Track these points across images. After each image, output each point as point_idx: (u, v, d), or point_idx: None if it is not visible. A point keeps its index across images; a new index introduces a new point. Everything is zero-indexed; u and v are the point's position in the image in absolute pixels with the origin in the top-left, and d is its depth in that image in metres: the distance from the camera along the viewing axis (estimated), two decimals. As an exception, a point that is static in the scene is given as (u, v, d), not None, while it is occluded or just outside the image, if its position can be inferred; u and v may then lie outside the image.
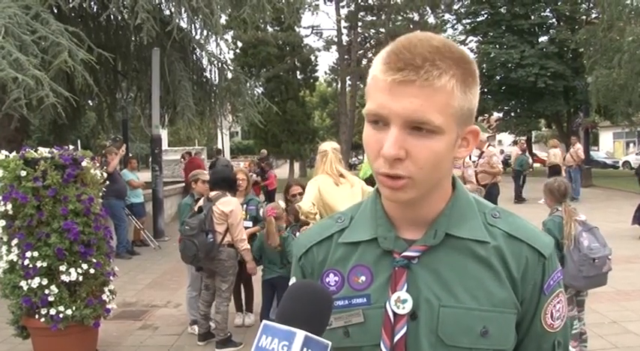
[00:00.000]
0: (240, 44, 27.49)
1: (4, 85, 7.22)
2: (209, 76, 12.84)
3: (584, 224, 3.88)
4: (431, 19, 29.24)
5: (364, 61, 28.65)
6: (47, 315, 4.12)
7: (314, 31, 29.49)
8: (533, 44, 26.17)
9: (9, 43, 7.30)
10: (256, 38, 22.72)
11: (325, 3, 28.75)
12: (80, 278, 4.21)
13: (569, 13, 26.63)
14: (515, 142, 28.05)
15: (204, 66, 12.81)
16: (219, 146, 21.75)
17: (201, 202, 4.82)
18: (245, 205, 5.31)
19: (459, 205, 0.97)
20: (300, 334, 0.74)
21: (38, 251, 4.11)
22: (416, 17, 28.50)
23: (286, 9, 12.11)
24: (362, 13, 29.11)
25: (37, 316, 4.15)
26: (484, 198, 1.07)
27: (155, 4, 10.19)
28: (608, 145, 37.92)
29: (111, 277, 4.59)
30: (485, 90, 26.86)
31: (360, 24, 28.96)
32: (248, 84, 13.16)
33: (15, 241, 4.16)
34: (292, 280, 1.04)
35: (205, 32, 11.01)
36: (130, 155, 13.81)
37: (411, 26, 26.70)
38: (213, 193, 4.76)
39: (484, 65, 26.04)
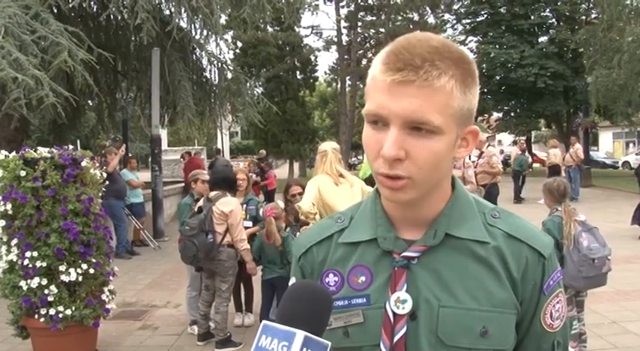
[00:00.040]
0: (240, 44, 27.50)
1: (4, 85, 7.22)
2: (209, 76, 12.85)
3: (583, 224, 3.88)
4: (431, 19, 29.31)
5: (364, 61, 28.67)
6: (47, 315, 4.12)
7: (314, 31, 29.53)
8: (532, 44, 26.18)
9: (9, 42, 7.30)
10: (256, 38, 22.73)
11: (325, 3, 28.79)
12: (80, 278, 4.21)
13: (568, 13, 26.64)
14: (514, 142, 28.06)
15: (204, 66, 12.82)
16: (219, 146, 21.75)
17: (201, 203, 4.82)
18: (245, 205, 5.31)
19: (458, 206, 0.97)
20: (300, 335, 0.74)
21: (38, 251, 4.11)
22: (416, 17, 28.53)
23: (286, 9, 12.11)
24: (362, 13, 29.13)
25: (36, 316, 4.15)
26: (484, 198, 1.07)
27: (155, 4, 10.19)
28: (608, 145, 37.93)
29: (110, 277, 4.59)
30: (485, 90, 26.87)
31: (359, 24, 28.99)
32: (248, 84, 13.16)
33: (14, 241, 4.16)
34: (292, 281, 1.04)
35: (205, 32, 11.00)
36: (130, 155, 13.80)
37: (411, 26, 26.73)
38: (213, 193, 4.76)
39: (484, 65, 26.05)
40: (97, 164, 4.85)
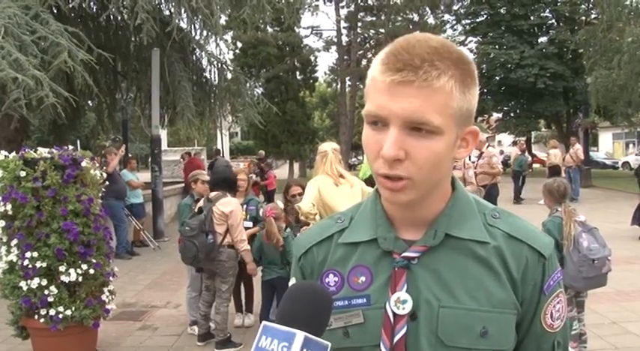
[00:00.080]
0: (239, 44, 27.52)
1: (4, 85, 7.22)
2: (209, 77, 12.85)
3: (583, 225, 3.87)
4: (430, 20, 29.33)
5: (364, 62, 28.67)
6: (47, 315, 4.12)
7: (314, 32, 29.55)
8: (532, 45, 26.20)
9: (9, 43, 7.30)
10: (256, 39, 22.73)
11: (325, 3, 28.80)
12: (80, 279, 4.21)
13: (568, 14, 26.66)
14: (514, 143, 28.07)
15: (204, 66, 12.82)
16: (219, 147, 21.76)
17: (201, 203, 4.82)
18: (245, 206, 5.30)
19: (458, 206, 0.97)
20: (300, 335, 0.74)
21: (38, 252, 4.11)
22: (415, 18, 28.54)
23: (286, 9, 12.11)
24: (361, 14, 29.14)
25: (36, 317, 4.15)
26: (484, 199, 1.07)
27: (155, 4, 10.20)
28: (608, 145, 37.94)
29: (110, 278, 4.59)
30: (485, 90, 26.90)
31: (359, 24, 29.00)
32: (248, 84, 13.17)
33: (14, 242, 4.16)
34: (292, 281, 1.04)
35: (205, 33, 11.01)
36: (130, 155, 13.81)
37: (411, 27, 26.75)
38: (213, 194, 4.76)
39: (484, 66, 26.07)
40: (97, 165, 4.85)
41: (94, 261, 4.31)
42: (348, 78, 29.94)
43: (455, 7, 29.42)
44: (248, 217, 5.28)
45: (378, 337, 0.93)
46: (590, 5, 26.14)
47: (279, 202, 5.03)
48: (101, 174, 4.63)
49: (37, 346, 4.34)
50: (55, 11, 9.40)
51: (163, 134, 17.29)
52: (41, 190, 4.13)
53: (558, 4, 27.10)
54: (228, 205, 4.65)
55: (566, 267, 3.73)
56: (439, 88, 0.85)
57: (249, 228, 5.16)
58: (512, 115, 29.13)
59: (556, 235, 3.77)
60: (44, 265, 4.11)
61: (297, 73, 29.70)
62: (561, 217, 3.89)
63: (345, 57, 29.25)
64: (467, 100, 0.89)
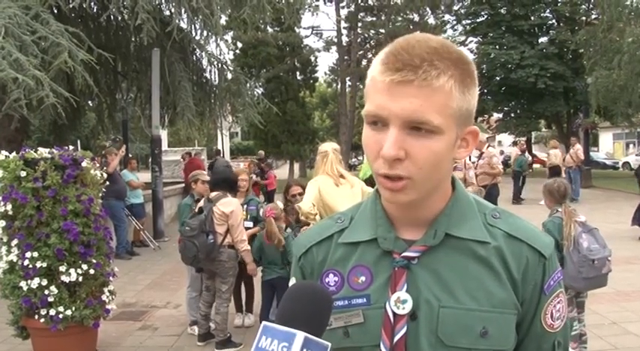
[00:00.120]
0: (240, 45, 27.51)
1: (4, 85, 7.22)
2: (209, 77, 12.85)
3: (583, 225, 3.87)
4: (431, 20, 29.31)
5: (364, 62, 28.66)
6: (47, 315, 4.12)
7: (314, 32, 29.52)
8: (533, 45, 26.20)
9: (9, 43, 7.30)
10: (256, 39, 22.73)
11: (325, 4, 28.78)
12: (80, 279, 4.21)
13: (569, 14, 26.66)
14: (515, 143, 28.06)
15: (204, 66, 12.82)
16: (219, 147, 21.76)
17: (201, 203, 4.82)
18: (245, 206, 5.31)
19: (458, 206, 0.98)
20: (300, 336, 0.74)
21: (38, 252, 4.11)
22: (416, 18, 28.54)
23: (286, 9, 12.11)
24: (362, 14, 29.12)
25: (36, 317, 4.15)
26: (484, 199, 1.07)
27: (155, 4, 10.20)
28: (608, 145, 37.93)
29: (110, 278, 4.59)
30: (485, 91, 26.90)
31: (359, 25, 28.98)
32: (248, 84, 13.16)
33: (15, 242, 4.17)
34: (292, 281, 1.04)
35: (205, 33, 11.01)
36: (130, 156, 13.82)
37: (411, 27, 26.74)
38: (213, 194, 4.76)
39: (484, 66, 26.07)
40: (98, 165, 4.85)
41: (94, 261, 4.32)
42: (348, 78, 29.93)
43: (455, 8, 29.42)
44: (248, 217, 5.29)
45: (378, 337, 0.93)
46: (591, 5, 26.14)
47: (279, 203, 5.03)
48: (101, 174, 4.63)
49: (37, 346, 4.34)
50: (56, 11, 9.40)
51: (163, 134, 17.28)
52: (41, 190, 4.13)
53: (559, 4, 27.11)
54: (229, 205, 4.65)
55: (566, 267, 3.73)
56: (439, 88, 0.85)
57: (249, 228, 5.16)
58: (512, 115, 29.13)
59: (556, 236, 3.77)
60: (44, 265, 4.11)
61: (298, 73, 29.70)
62: (561, 217, 3.89)
63: (346, 57, 29.25)
64: (467, 100, 0.89)
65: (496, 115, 31.86)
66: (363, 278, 0.97)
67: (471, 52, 28.48)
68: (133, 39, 11.35)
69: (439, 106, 0.85)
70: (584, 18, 26.68)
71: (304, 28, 29.21)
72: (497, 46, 26.63)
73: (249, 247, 4.75)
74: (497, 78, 26.94)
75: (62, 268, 4.14)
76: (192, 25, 11.06)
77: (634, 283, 6.35)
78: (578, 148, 15.11)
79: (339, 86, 31.37)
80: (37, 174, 4.11)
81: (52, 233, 4.13)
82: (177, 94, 11.05)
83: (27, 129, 11.05)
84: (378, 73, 0.87)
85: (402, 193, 0.89)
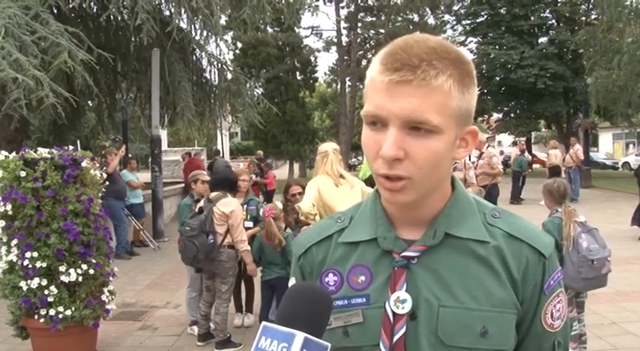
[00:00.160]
0: (239, 45, 27.50)
1: (4, 85, 7.22)
2: (209, 77, 12.84)
3: (583, 225, 3.87)
4: (431, 20, 29.31)
5: (364, 62, 28.65)
6: (47, 315, 4.12)
7: (314, 32, 29.52)
8: (532, 45, 26.21)
9: (9, 43, 7.30)
10: (256, 39, 22.72)
11: (325, 4, 28.78)
12: (80, 279, 4.21)
13: (568, 14, 26.67)
14: (514, 143, 28.07)
15: (204, 67, 12.82)
16: (219, 147, 21.76)
17: (201, 203, 4.82)
18: (245, 206, 5.31)
19: (458, 205, 0.98)
20: (300, 336, 0.74)
21: (38, 252, 4.11)
22: (416, 18, 28.54)
23: (286, 10, 12.11)
24: (362, 14, 29.13)
25: (36, 317, 4.15)
26: (484, 199, 1.07)
27: (155, 4, 10.19)
28: (608, 146, 37.93)
29: (110, 278, 4.59)
30: (485, 91, 26.91)
31: (359, 25, 28.99)
32: (248, 85, 13.16)
33: (15, 242, 4.17)
34: (292, 280, 1.04)
35: (205, 33, 11.01)
36: (130, 156, 13.81)
37: (411, 27, 26.75)
38: (213, 194, 4.75)
39: (484, 66, 26.09)
40: (97, 165, 4.86)
41: (93, 261, 4.32)
42: (348, 78, 29.93)
43: (455, 8, 29.43)
44: (249, 217, 5.29)
45: (378, 337, 0.93)
46: (591, 6, 26.15)
47: (278, 203, 5.03)
48: (101, 174, 4.63)
49: (36, 346, 4.34)
50: (55, 11, 9.39)
51: (163, 134, 17.28)
52: (41, 190, 4.13)
53: (558, 4, 27.13)
54: (229, 205, 4.65)
55: (565, 267, 3.73)
56: (437, 88, 0.85)
57: (249, 228, 5.16)
58: (512, 115, 29.14)
59: (556, 236, 3.77)
60: (44, 265, 4.11)
61: (297, 73, 29.69)
62: (561, 217, 3.89)
63: (345, 57, 29.25)
64: (466, 99, 0.89)
65: (496, 116, 31.88)
66: (362, 278, 0.97)
67: (471, 52, 28.50)
68: (132, 39, 11.34)
69: (438, 106, 0.85)
70: (583, 18, 26.71)
71: (304, 29, 29.23)
72: (497, 47, 26.64)
73: (249, 248, 4.75)
74: (497, 78, 26.96)
75: (62, 268, 4.14)
76: (192, 25, 11.06)
77: (633, 284, 6.35)
78: (577, 149, 15.11)
79: (338, 86, 31.37)
80: (36, 174, 4.11)
81: (52, 233, 4.13)
82: (177, 94, 11.05)
83: (27, 129, 11.05)
84: (376, 74, 0.88)
85: (402, 193, 0.89)
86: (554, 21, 27.84)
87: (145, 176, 12.59)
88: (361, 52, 29.49)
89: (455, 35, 29.84)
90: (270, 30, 24.94)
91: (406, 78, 0.84)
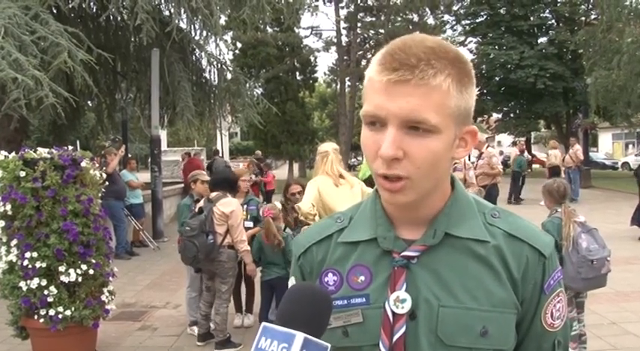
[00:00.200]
0: (239, 45, 27.48)
1: (4, 85, 7.22)
2: (208, 77, 12.84)
3: (583, 226, 3.87)
4: (430, 20, 29.30)
5: (363, 62, 28.62)
6: (46, 315, 4.11)
7: (313, 32, 29.49)
8: (532, 45, 26.23)
9: (8, 43, 7.30)
10: (256, 39, 22.70)
11: (325, 4, 28.76)
12: (79, 279, 4.21)
13: (568, 15, 26.69)
14: (514, 143, 28.08)
15: (204, 67, 12.82)
16: (219, 147, 21.77)
17: (201, 203, 4.82)
18: (246, 206, 5.31)
19: (458, 205, 0.98)
20: (300, 337, 0.74)
21: (37, 252, 4.11)
22: (415, 18, 28.53)
23: (286, 10, 12.10)
24: (361, 14, 29.11)
25: (36, 317, 4.15)
26: (484, 199, 1.07)
27: (155, 4, 10.19)
28: (607, 146, 37.95)
29: (110, 278, 4.59)
30: (485, 91, 26.93)
31: (359, 25, 28.98)
32: (247, 85, 13.16)
33: (14, 242, 4.16)
34: (292, 280, 1.04)
35: (205, 33, 11.01)
36: (130, 156, 13.80)
37: (411, 27, 26.74)
38: (213, 194, 4.75)
39: (483, 66, 26.11)
40: (97, 165, 4.86)
41: (93, 261, 4.31)
42: (347, 78, 29.92)
43: (455, 8, 29.44)
44: (249, 217, 5.29)
45: (377, 337, 0.93)
46: (590, 6, 26.17)
47: (277, 203, 5.04)
48: (101, 174, 4.63)
49: (36, 346, 4.34)
50: (55, 11, 9.40)
51: (163, 135, 17.29)
52: (41, 190, 4.12)
53: (558, 4, 27.15)
54: (229, 205, 4.65)
55: (565, 268, 3.72)
56: (436, 87, 0.85)
57: (250, 228, 5.16)
58: (511, 115, 29.16)
59: (555, 236, 3.77)
60: (44, 265, 4.11)
61: (297, 73, 29.66)
62: (561, 217, 3.89)
63: (345, 57, 29.24)
64: (464, 99, 0.89)
65: (495, 116, 31.90)
66: (362, 278, 0.97)
67: (471, 52, 28.53)
68: (132, 39, 11.34)
69: (436, 105, 0.85)
70: (583, 18, 26.73)
71: (304, 29, 29.19)
72: (496, 47, 26.66)
73: (249, 248, 4.75)
74: (497, 78, 26.98)
75: (62, 269, 4.13)
76: (192, 26, 11.06)
77: (633, 284, 6.35)
78: (577, 149, 15.12)
79: (338, 86, 31.36)
80: (36, 174, 4.11)
81: (52, 233, 4.13)
82: (176, 94, 11.05)
83: (26, 129, 11.04)
84: (375, 74, 0.88)
85: (401, 193, 0.89)
86: (553, 21, 27.86)
87: (144, 176, 12.59)
88: (361, 52, 29.48)
89: (454, 35, 29.90)
90: (269, 30, 24.91)
91: (404, 77, 0.84)
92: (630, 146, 35.38)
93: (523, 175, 14.82)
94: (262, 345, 0.75)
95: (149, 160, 12.75)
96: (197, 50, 12.55)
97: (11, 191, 4.08)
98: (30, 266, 4.09)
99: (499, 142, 44.60)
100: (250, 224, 5.24)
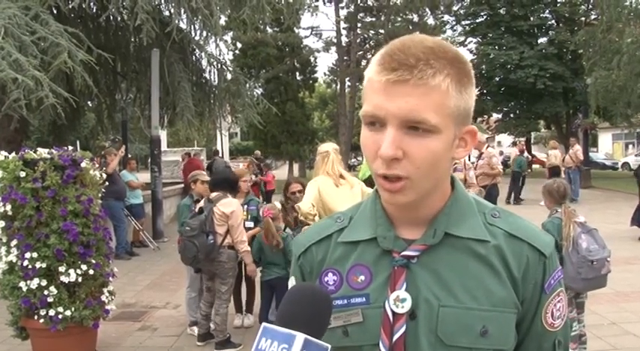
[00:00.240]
0: (239, 45, 27.49)
1: (4, 85, 7.22)
2: (208, 77, 12.84)
3: (583, 226, 3.87)
4: (430, 21, 29.29)
5: (363, 62, 28.60)
6: (46, 316, 4.11)
7: (313, 32, 29.48)
8: (532, 45, 26.23)
9: (9, 43, 7.30)
10: (256, 39, 22.71)
11: (325, 4, 28.75)
12: (79, 279, 4.21)
13: (568, 15, 26.70)
14: (514, 143, 28.09)
15: (204, 67, 12.82)
16: (219, 147, 21.77)
17: (202, 203, 4.82)
18: (246, 206, 5.30)
19: (458, 205, 0.98)
20: (300, 337, 0.74)
21: (37, 252, 4.11)
22: (415, 18, 28.53)
23: (286, 10, 12.11)
24: (361, 14, 29.11)
25: (36, 317, 4.15)
26: (484, 199, 1.07)
27: (155, 5, 10.19)
28: (607, 146, 37.94)
29: (110, 278, 4.59)
30: (485, 91, 26.96)
31: (359, 25, 28.97)
32: (247, 85, 13.16)
33: (14, 242, 4.16)
34: (291, 280, 1.04)
35: (205, 33, 11.02)
36: (130, 156, 13.81)
37: (411, 27, 26.74)
38: (214, 194, 4.75)
39: (483, 66, 26.11)
40: (97, 165, 4.86)
41: (93, 261, 4.31)
42: (347, 79, 29.91)
43: (455, 8, 29.44)
44: (249, 217, 5.28)
45: (377, 336, 0.93)
46: (590, 6, 26.18)
47: (277, 203, 5.03)
48: (101, 174, 4.63)
49: (36, 346, 4.33)
50: (55, 12, 9.40)
51: (163, 135, 17.29)
52: (41, 190, 4.12)
53: (558, 4, 27.16)
54: (229, 205, 4.65)
55: (565, 268, 3.72)
56: (435, 87, 0.85)
57: (250, 228, 5.16)
58: (511, 115, 29.16)
59: (555, 236, 3.77)
60: (44, 265, 4.11)
61: (297, 73, 29.66)
62: (561, 217, 3.88)
63: (345, 58, 29.23)
64: (464, 99, 0.89)
65: (495, 116, 31.90)
66: (362, 277, 0.97)
67: (471, 52, 28.54)
68: (132, 39, 11.35)
69: (436, 105, 0.85)
70: (583, 18, 26.74)
71: (304, 29, 29.19)
72: (496, 47, 26.66)
73: (249, 248, 4.74)
74: (497, 78, 26.98)
75: (61, 269, 4.13)
76: (192, 26, 11.07)
77: (633, 284, 6.35)
78: (577, 149, 15.12)
79: (338, 87, 31.36)
80: (36, 174, 4.11)
81: (52, 234, 4.12)
82: (176, 94, 11.05)
83: (26, 129, 11.05)
84: (374, 74, 0.88)
85: (401, 194, 0.89)
86: (553, 21, 27.87)
87: (144, 176, 12.59)
88: (361, 53, 29.48)
89: (454, 35, 29.91)
90: (269, 30, 24.91)
91: (403, 77, 0.84)
92: (630, 146, 35.38)
93: (523, 176, 14.82)
94: (262, 346, 0.75)
95: (149, 160, 12.75)
96: (197, 50, 12.55)
97: (11, 191, 4.07)
98: (30, 266, 4.09)
99: (499, 143, 44.61)
100: (251, 224, 5.24)
